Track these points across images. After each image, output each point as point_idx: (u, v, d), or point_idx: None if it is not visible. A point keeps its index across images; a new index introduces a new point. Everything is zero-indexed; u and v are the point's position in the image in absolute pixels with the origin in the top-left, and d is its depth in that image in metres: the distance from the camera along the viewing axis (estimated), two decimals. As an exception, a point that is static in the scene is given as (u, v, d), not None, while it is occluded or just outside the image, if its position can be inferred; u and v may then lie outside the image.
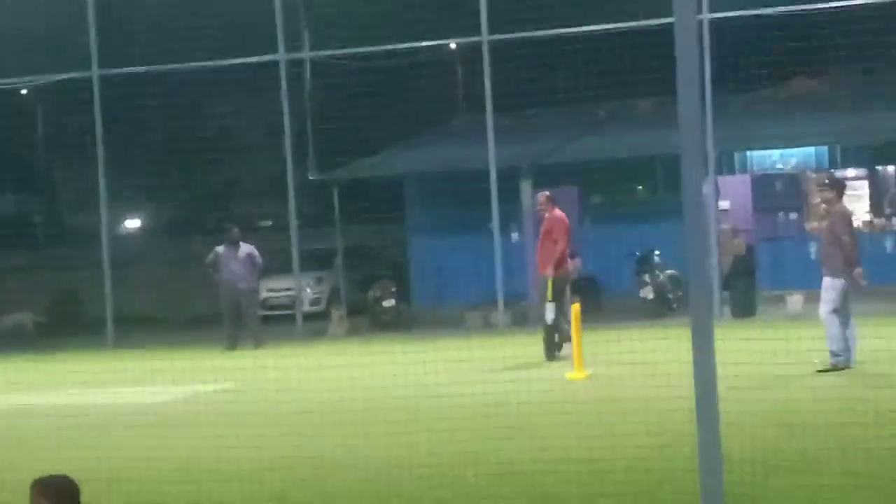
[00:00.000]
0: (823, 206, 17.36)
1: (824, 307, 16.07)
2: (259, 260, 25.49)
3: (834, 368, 15.58)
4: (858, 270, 16.15)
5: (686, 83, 5.58)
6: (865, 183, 29.58)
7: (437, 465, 10.80)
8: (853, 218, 17.93)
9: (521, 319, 26.69)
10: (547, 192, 20.25)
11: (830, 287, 16.06)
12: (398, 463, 10.91)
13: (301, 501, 10.12)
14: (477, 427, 11.92)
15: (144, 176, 37.84)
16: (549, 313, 18.96)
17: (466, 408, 13.66)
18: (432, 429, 12.28)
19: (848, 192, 29.89)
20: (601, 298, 27.58)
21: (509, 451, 10.60)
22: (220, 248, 25.41)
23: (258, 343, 24.38)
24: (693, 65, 5.68)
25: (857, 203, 29.75)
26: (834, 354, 15.74)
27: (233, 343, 24.39)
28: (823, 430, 11.00)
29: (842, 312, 15.92)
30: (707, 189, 18.97)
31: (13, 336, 30.11)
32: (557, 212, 19.76)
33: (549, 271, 19.10)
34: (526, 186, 28.33)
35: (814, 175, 27.52)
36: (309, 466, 11.19)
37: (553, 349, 18.80)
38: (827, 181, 17.73)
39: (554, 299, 18.89)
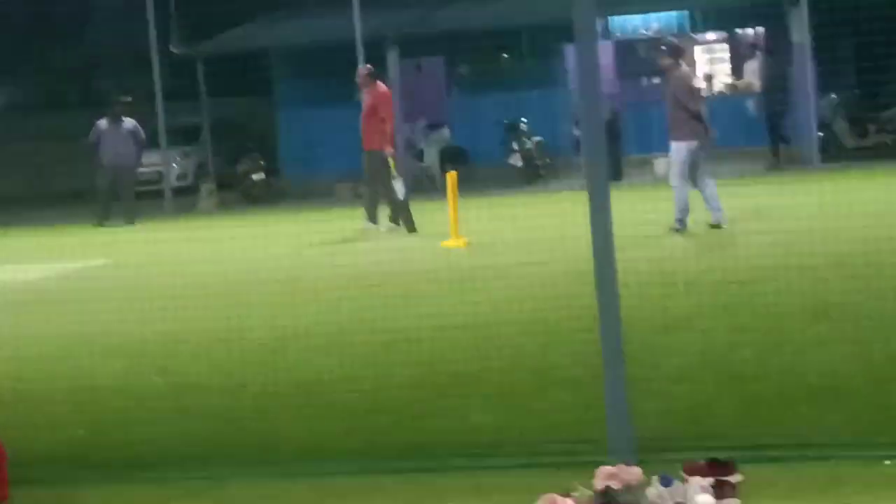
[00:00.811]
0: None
1: (672, 173, 16.44)
2: (142, 135, 25.09)
3: (677, 232, 15.95)
4: (710, 131, 16.50)
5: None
6: (726, 46, 30.02)
7: (322, 334, 10.91)
8: (696, 81, 18.20)
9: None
10: (369, 66, 20.26)
11: (676, 152, 16.40)
12: (282, 333, 11.00)
13: (185, 373, 10.18)
14: (359, 296, 12.07)
15: (1, 54, 36.97)
16: (401, 188, 19.09)
17: (345, 278, 13.80)
18: (313, 299, 12.40)
19: (709, 54, 30.62)
20: (471, 168, 27.75)
21: (395, 319, 10.74)
22: (102, 123, 24.98)
23: (130, 220, 24.10)
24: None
25: (719, 65, 30.25)
26: (678, 220, 16.09)
27: (104, 219, 24.10)
28: (704, 287, 11.31)
29: (692, 176, 16.25)
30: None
31: None
32: (381, 86, 19.83)
33: (389, 149, 19.34)
34: (392, 56, 28.26)
35: (674, 39, 27.79)
36: (191, 340, 11.23)
37: (412, 222, 18.87)
38: (664, 46, 17.89)
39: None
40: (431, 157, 28.91)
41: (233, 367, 10.09)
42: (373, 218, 19.18)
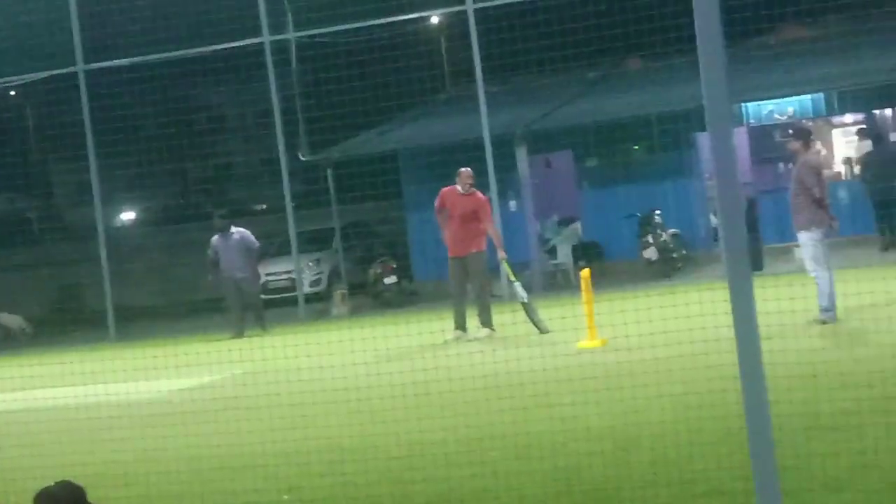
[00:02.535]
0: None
1: (806, 261, 15.83)
2: (254, 244, 25.02)
3: (824, 323, 15.30)
4: (834, 220, 15.91)
5: (706, 30, 5.31)
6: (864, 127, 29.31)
7: (455, 443, 10.52)
8: (823, 166, 17.63)
9: (526, 289, 26.37)
10: (469, 170, 20.15)
11: (807, 241, 15.80)
12: (417, 443, 10.62)
13: (317, 490, 9.83)
14: (493, 402, 11.65)
15: (137, 167, 37.57)
16: (522, 291, 18.95)
17: (480, 382, 13.40)
18: (448, 407, 12.01)
19: (846, 137, 29.92)
20: (605, 263, 27.31)
21: (530, 425, 10.30)
22: (215, 238, 25.04)
23: (264, 327, 24.11)
24: (714, 13, 5.43)
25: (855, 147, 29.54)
26: (823, 310, 15.45)
27: (239, 330, 24.07)
28: (858, 379, 10.68)
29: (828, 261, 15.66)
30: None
31: (5, 338, 29.87)
32: (480, 194, 19.79)
33: (502, 253, 19.67)
34: (521, 153, 28.03)
35: (810, 123, 27.19)
36: (324, 454, 10.89)
37: (542, 323, 18.55)
38: (791, 131, 17.36)
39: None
40: (564, 253, 28.51)
41: (364, 483, 9.72)
42: (461, 325, 19.14)
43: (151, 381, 17.58)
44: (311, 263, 31.55)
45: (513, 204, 28.54)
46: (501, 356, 11.81)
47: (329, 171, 29.72)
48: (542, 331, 18.30)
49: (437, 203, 20.10)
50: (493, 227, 19.92)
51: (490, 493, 8.83)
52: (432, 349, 17.29)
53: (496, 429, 10.64)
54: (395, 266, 28.24)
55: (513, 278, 19.55)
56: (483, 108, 26.44)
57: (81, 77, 27.83)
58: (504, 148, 27.05)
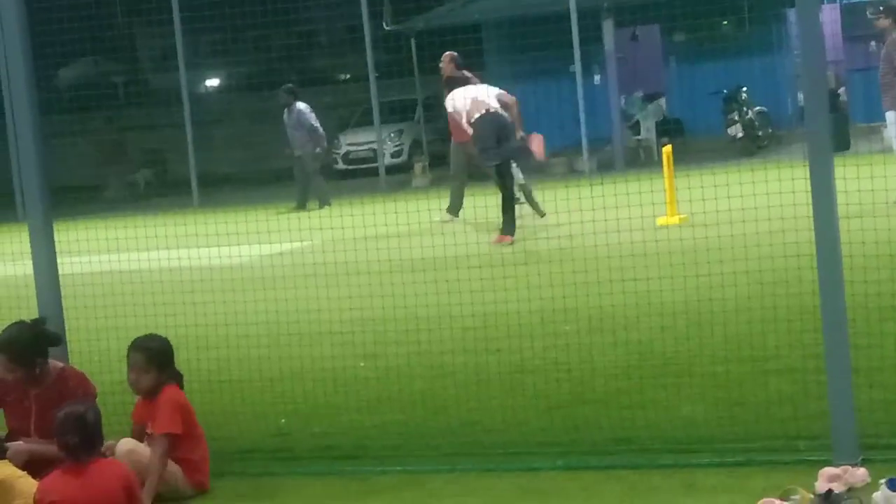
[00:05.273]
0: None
1: (893, 140, 15.57)
2: (309, 121, 24.50)
3: None
4: None
5: None
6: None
7: (529, 315, 10.58)
8: None
9: (607, 165, 26.30)
10: (454, 53, 19.40)
11: (890, 121, 15.54)
12: (492, 314, 10.69)
13: (391, 359, 9.96)
14: (567, 276, 11.67)
15: (221, 32, 37.57)
16: (520, 173, 18.18)
17: (554, 256, 13.43)
18: (522, 279, 12.06)
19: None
20: (688, 140, 27.12)
21: (603, 299, 10.32)
22: (285, 112, 24.95)
23: (324, 202, 23.93)
24: None
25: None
26: None
27: (301, 203, 24.06)
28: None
29: None
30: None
31: (127, 194, 30.42)
32: (469, 75, 18.92)
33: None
34: (607, 25, 27.74)
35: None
36: (400, 323, 10.99)
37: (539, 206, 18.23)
38: (882, 7, 16.97)
39: None
40: (647, 129, 28.32)
41: (438, 352, 9.83)
42: (455, 210, 18.95)
43: (233, 247, 17.75)
44: (392, 134, 31.57)
45: (597, 78, 28.32)
46: (579, 232, 11.78)
47: (412, 41, 29.61)
48: (540, 214, 18.01)
49: None
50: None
51: (563, 366, 8.89)
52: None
53: (570, 302, 10.67)
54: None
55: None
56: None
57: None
58: (589, 20, 26.77)
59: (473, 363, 9.46)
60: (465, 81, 18.09)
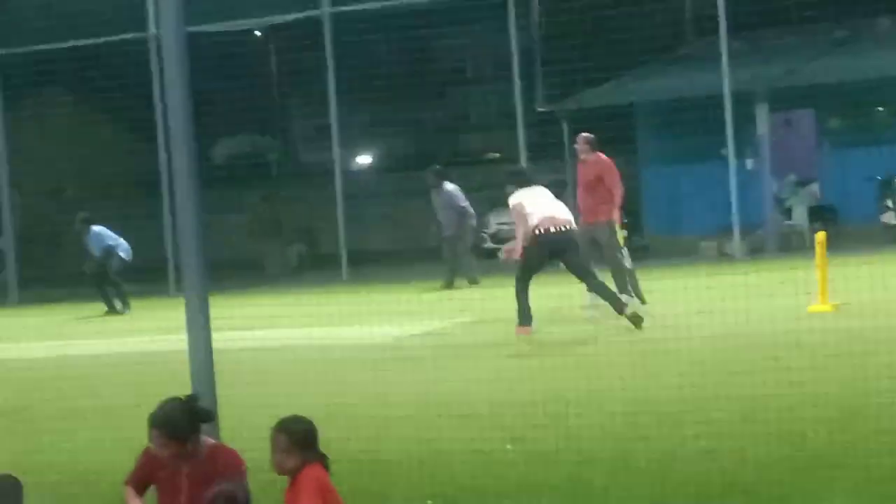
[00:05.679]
0: None
1: None
2: (457, 203, 24.52)
3: None
4: None
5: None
6: None
7: (680, 402, 10.47)
8: None
9: (757, 249, 26.04)
10: (590, 135, 19.26)
11: None
12: (642, 400, 10.61)
13: (539, 443, 9.90)
14: (718, 362, 11.56)
15: (375, 112, 38.09)
16: (628, 259, 18.32)
17: (706, 342, 13.30)
18: (673, 366, 11.95)
19: None
20: (840, 226, 26.73)
21: (756, 388, 10.19)
22: (432, 192, 25.11)
23: (472, 281, 23.95)
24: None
25: None
26: None
27: (449, 281, 24.13)
28: None
29: None
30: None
31: (281, 269, 30.90)
32: (603, 156, 18.89)
33: (617, 217, 18.53)
34: (762, 111, 27.57)
35: None
36: (549, 406, 10.94)
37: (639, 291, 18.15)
38: None
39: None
40: (800, 214, 27.99)
41: (587, 437, 9.75)
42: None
43: (382, 325, 17.90)
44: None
45: (749, 162, 28.09)
46: (731, 319, 11.71)
47: (564, 123, 29.68)
48: (641, 301, 17.78)
49: None
50: (618, 190, 18.74)
51: (713, 455, 8.78)
52: (661, 305, 17.20)
53: (721, 389, 10.54)
54: (626, 220, 28.08)
55: (621, 244, 18.81)
56: (725, 63, 26.06)
57: (326, 19, 28.31)
58: (743, 105, 26.63)
59: (621, 450, 9.37)
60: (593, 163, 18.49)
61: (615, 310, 15.83)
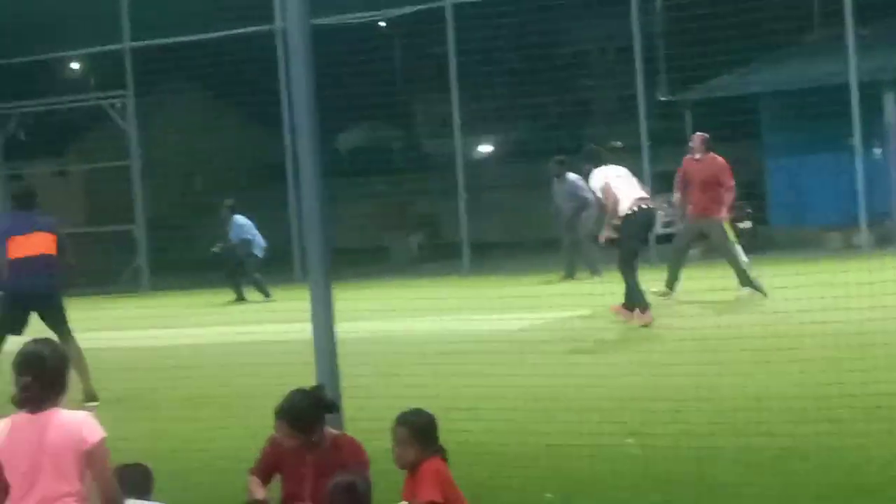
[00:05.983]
0: None
1: None
2: (581, 192, 23.87)
3: None
4: None
5: None
6: None
7: (802, 399, 10.38)
8: None
9: (886, 240, 25.63)
10: (705, 134, 19.27)
11: None
12: (764, 396, 10.54)
13: (658, 438, 9.88)
14: (845, 363, 11.40)
15: (496, 100, 38.10)
16: (743, 254, 18.34)
17: (830, 339, 13.14)
18: (796, 362, 11.83)
19: None
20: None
21: (880, 385, 10.06)
22: (554, 181, 25.05)
23: (594, 271, 23.81)
24: None
25: None
26: None
27: (569, 272, 24.06)
28: None
29: None
30: None
31: (403, 258, 31.10)
32: (718, 157, 18.89)
33: (726, 216, 18.77)
34: (889, 100, 27.13)
35: None
36: (669, 402, 10.90)
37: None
38: None
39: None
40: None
41: (707, 433, 9.70)
42: (670, 284, 18.65)
43: (502, 315, 17.95)
44: (664, 204, 31.39)
45: (877, 152, 27.65)
46: (855, 315, 11.52)
47: (688, 112, 29.44)
48: (764, 294, 17.81)
49: (678, 179, 19.45)
50: (732, 193, 19.04)
51: (836, 452, 8.71)
52: (783, 300, 17.02)
53: (845, 388, 10.42)
54: (749, 211, 27.81)
55: (733, 240, 18.76)
56: (851, 52, 25.69)
57: (448, 10, 28.38)
58: (870, 94, 26.22)
59: (743, 445, 9.32)
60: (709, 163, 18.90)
61: (639, 308, 16.01)
